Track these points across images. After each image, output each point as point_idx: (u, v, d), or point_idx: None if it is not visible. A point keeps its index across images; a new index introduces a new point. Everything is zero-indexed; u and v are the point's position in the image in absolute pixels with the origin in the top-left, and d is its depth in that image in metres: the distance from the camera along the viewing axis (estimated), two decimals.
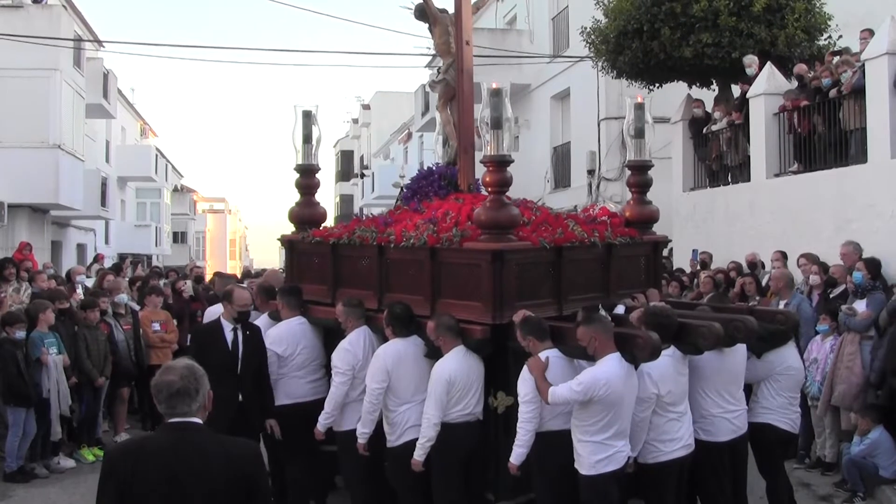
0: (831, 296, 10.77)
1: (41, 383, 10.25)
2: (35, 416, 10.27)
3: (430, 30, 9.57)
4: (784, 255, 12.57)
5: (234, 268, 74.33)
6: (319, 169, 9.20)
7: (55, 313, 10.85)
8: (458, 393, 6.80)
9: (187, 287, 15.13)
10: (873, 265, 10.27)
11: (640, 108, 8.22)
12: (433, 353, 7.06)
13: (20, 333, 10.15)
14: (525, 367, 6.39)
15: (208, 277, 20.12)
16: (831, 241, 12.35)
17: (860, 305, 9.80)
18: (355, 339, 7.59)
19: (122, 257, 34.38)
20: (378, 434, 7.27)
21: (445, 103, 9.47)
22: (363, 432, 7.24)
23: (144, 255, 39.32)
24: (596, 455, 6.13)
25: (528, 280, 7.05)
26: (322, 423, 7.58)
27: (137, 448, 3.96)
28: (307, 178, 9.04)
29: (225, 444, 3.96)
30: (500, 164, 6.86)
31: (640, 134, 8.21)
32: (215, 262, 73.76)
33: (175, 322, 13.36)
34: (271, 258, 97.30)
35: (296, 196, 9.10)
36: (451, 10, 9.17)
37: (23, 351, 10.13)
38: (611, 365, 6.08)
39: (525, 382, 6.37)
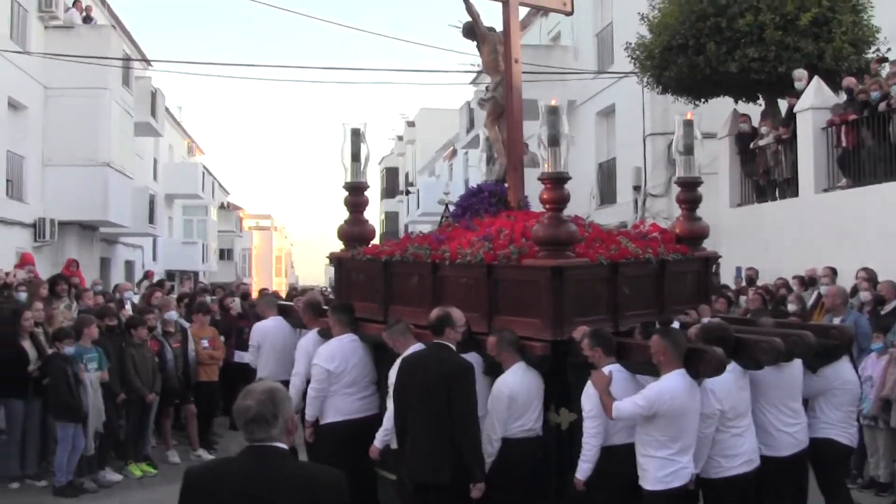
0: (882, 313, 10.65)
1: (84, 398, 10.30)
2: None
3: (479, 48, 9.60)
4: (833, 271, 12.47)
5: (279, 284, 74.79)
6: (368, 186, 9.25)
7: (102, 329, 10.96)
8: (519, 409, 6.81)
9: (235, 304, 15.26)
10: None
11: (688, 124, 8.20)
12: (491, 370, 7.08)
13: (69, 349, 10.22)
14: (589, 383, 6.42)
15: (255, 295, 20.30)
16: (881, 256, 12.25)
17: None
18: None
19: (169, 274, 34.76)
20: None
21: (494, 121, 9.48)
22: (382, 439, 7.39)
23: (191, 271, 39.62)
24: (661, 470, 6.14)
25: (585, 296, 7.07)
26: (380, 439, 7.56)
27: (215, 469, 3.96)
28: (356, 195, 9.09)
29: (307, 471, 3.94)
30: (557, 181, 6.89)
31: (689, 150, 8.20)
32: (261, 278, 74.14)
33: (223, 339, 13.47)
34: (317, 274, 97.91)
35: (342, 212, 9.16)
36: (499, 28, 9.22)
37: (72, 366, 10.18)
38: (675, 380, 6.11)
39: (589, 398, 6.40)
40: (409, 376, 6.89)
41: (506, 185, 9.04)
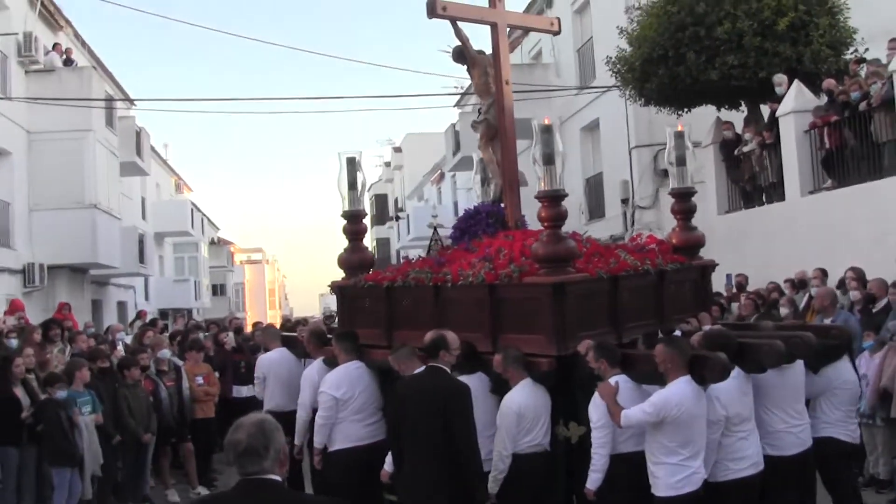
0: (874, 310, 10.75)
1: (78, 443, 10.17)
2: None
3: (469, 71, 9.70)
4: (824, 273, 12.58)
5: (273, 317, 74.63)
6: (366, 214, 9.34)
7: (95, 372, 10.92)
8: (528, 424, 6.91)
9: (230, 339, 15.27)
10: None
11: (680, 136, 8.35)
12: (498, 389, 7.18)
13: (61, 393, 10.10)
14: (596, 394, 6.53)
15: (248, 328, 20.32)
16: (870, 255, 12.37)
17: None
18: None
19: (162, 313, 34.70)
20: None
21: (487, 142, 9.58)
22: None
23: (185, 309, 39.64)
24: (673, 476, 6.24)
25: (587, 310, 7.19)
26: (390, 463, 7.61)
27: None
28: (354, 223, 9.13)
29: (303, 503, 3.95)
30: (554, 198, 7.03)
31: (681, 161, 8.34)
32: (255, 312, 73.99)
33: (217, 374, 13.49)
34: (311, 305, 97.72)
35: (334, 241, 9.23)
36: (488, 51, 9.33)
37: (66, 411, 10.07)
38: (681, 386, 6.23)
39: (597, 408, 6.52)
40: (406, 399, 6.96)
41: (502, 205, 9.15)
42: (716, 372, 6.20)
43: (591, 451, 6.55)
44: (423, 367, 7.17)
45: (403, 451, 6.96)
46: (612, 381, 6.52)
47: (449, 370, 6.96)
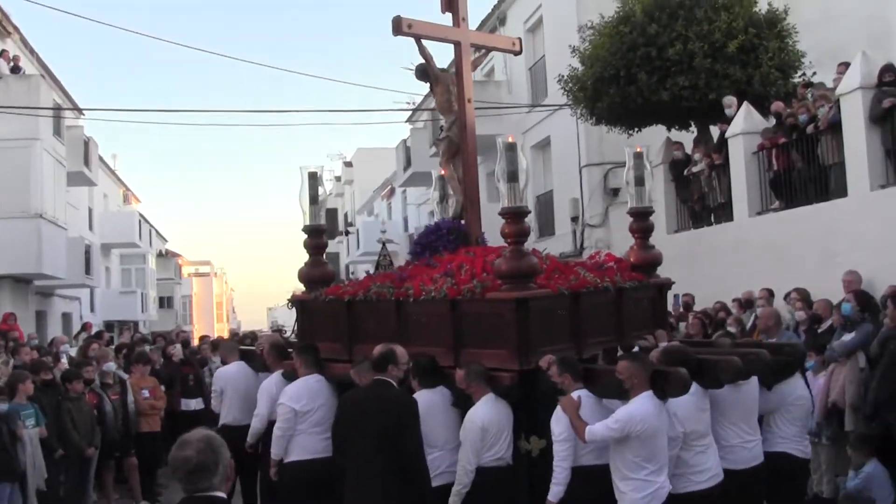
0: (819, 331, 10.90)
1: (19, 457, 10.02)
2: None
3: (432, 89, 9.81)
4: (770, 293, 12.77)
5: (221, 330, 74.08)
6: (327, 229, 9.39)
7: (38, 384, 10.79)
8: (491, 439, 7.00)
9: (177, 351, 15.19)
10: (864, 297, 10.42)
11: (639, 156, 8.51)
12: (460, 403, 7.27)
13: (3, 406, 9.99)
14: (558, 407, 6.63)
15: (196, 341, 20.20)
16: (817, 275, 12.54)
17: (848, 338, 9.92)
18: None
19: (108, 325, 34.32)
20: None
21: (449, 159, 9.68)
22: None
23: (131, 321, 39.28)
24: (640, 492, 6.33)
25: (549, 326, 7.28)
26: None
27: None
28: (315, 238, 9.20)
29: None
30: (517, 215, 7.14)
31: (640, 182, 8.51)
32: (202, 325, 73.45)
33: (164, 387, 13.42)
34: (259, 319, 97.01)
35: (283, 255, 9.28)
36: (451, 69, 9.44)
37: (7, 424, 9.93)
38: (644, 402, 6.35)
39: (559, 421, 6.62)
40: (353, 412, 7.03)
41: (462, 221, 9.25)
42: (677, 387, 6.34)
43: (553, 465, 6.64)
44: (370, 382, 7.25)
45: (349, 464, 6.99)
46: (574, 395, 6.63)
47: (396, 384, 7.04)
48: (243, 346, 11.51)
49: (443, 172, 9.92)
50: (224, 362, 10.81)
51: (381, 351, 7.07)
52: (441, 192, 10.11)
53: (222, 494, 3.77)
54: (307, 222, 9.09)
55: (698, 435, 6.76)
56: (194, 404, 14.08)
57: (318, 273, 9.17)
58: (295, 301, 9.38)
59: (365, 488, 6.80)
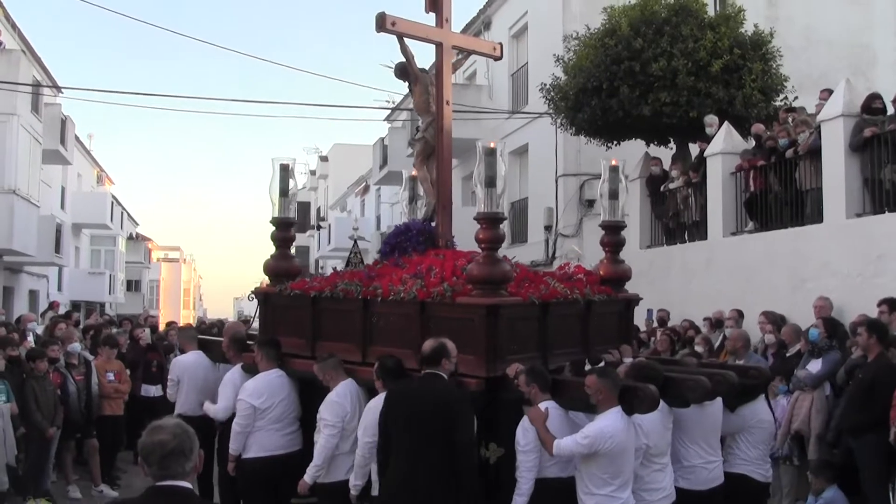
0: (787, 355, 10.90)
1: None
2: None
3: (410, 88, 9.71)
4: (740, 314, 12.78)
5: (187, 317, 73.86)
6: (296, 222, 9.27)
7: (5, 360, 10.74)
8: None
9: (145, 335, 15.09)
10: (831, 324, 10.45)
11: (614, 170, 8.44)
12: None
13: None
14: (525, 418, 6.55)
15: (162, 326, 20.05)
16: (787, 299, 12.59)
17: (815, 365, 9.91)
18: (343, 392, 7.64)
19: (75, 305, 34.05)
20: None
21: (423, 161, 9.59)
22: (356, 484, 7.28)
23: (98, 302, 39.04)
24: None
25: (517, 334, 7.20)
26: (311, 475, 7.60)
27: None
28: (283, 231, 9.06)
29: None
30: (493, 221, 7.04)
31: (614, 195, 8.44)
32: (169, 311, 73.19)
33: (129, 371, 13.32)
34: (225, 308, 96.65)
35: (252, 246, 9.11)
36: (431, 70, 9.36)
37: None
38: (614, 418, 6.28)
39: (526, 432, 6.54)
40: (405, 407, 6.79)
41: (433, 223, 9.17)
42: (646, 403, 6.27)
43: (517, 475, 6.55)
44: (354, 381, 7.34)
45: (398, 458, 6.72)
46: (542, 406, 6.56)
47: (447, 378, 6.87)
48: (203, 336, 11.33)
49: (414, 173, 9.82)
50: (182, 351, 10.68)
51: (433, 345, 6.84)
52: (411, 193, 10.00)
53: (188, 485, 3.75)
54: (276, 214, 8.96)
55: (659, 452, 6.73)
56: (154, 391, 13.97)
57: (284, 266, 9.03)
58: (258, 293, 9.22)
59: (418, 482, 6.60)
